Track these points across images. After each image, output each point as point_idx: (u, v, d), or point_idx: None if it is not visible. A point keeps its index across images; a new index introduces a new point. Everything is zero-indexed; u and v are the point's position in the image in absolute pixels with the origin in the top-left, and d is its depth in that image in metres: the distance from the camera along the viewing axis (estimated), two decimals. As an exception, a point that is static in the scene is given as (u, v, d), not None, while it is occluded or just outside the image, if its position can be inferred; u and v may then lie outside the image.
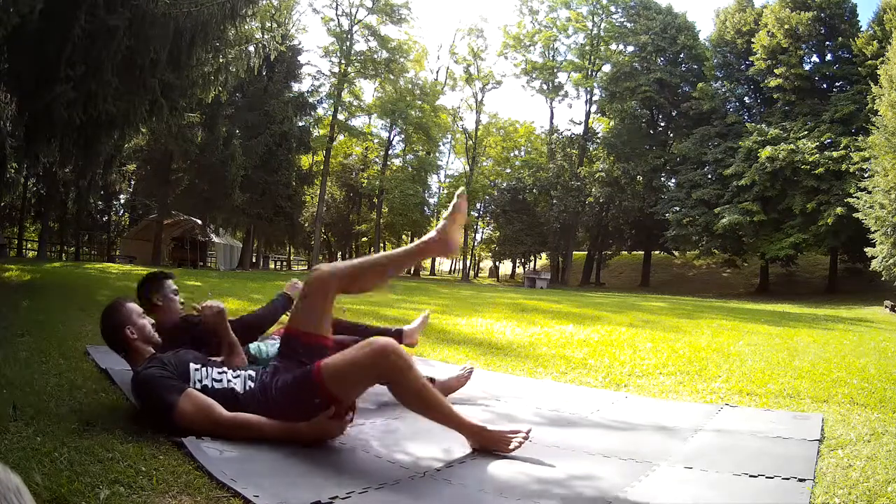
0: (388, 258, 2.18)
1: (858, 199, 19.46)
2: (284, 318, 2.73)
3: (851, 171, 22.13)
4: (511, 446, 1.95)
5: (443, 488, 1.69)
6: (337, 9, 31.84)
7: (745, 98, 32.09)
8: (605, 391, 3.20)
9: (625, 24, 34.35)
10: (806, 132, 25.42)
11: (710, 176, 29.29)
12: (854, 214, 19.91)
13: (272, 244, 35.03)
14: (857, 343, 6.03)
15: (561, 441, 2.16)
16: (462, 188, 2.26)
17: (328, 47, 32.54)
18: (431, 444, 2.02)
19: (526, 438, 1.97)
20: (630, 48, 34.34)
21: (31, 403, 2.04)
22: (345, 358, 1.90)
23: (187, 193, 23.48)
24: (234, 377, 2.04)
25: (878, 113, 18.65)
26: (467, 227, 37.30)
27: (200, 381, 1.99)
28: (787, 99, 27.59)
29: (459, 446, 2.09)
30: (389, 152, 36.68)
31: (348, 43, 31.92)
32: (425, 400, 1.95)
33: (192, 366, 2.02)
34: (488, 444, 1.97)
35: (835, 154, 23.45)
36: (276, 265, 33.22)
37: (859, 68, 24.40)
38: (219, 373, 2.04)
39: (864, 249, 19.67)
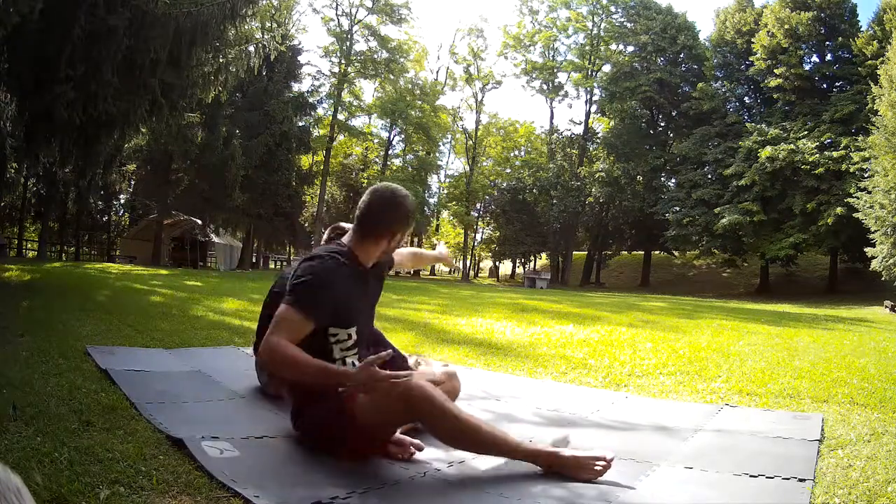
0: None
1: (858, 199, 19.45)
2: None
3: (851, 171, 22.12)
4: (592, 475, 1.77)
5: (443, 488, 1.69)
6: (337, 9, 31.88)
7: (745, 98, 32.09)
8: (605, 391, 3.20)
9: (625, 24, 34.35)
10: (806, 132, 25.42)
11: (710, 176, 29.28)
12: (854, 214, 19.90)
13: (272, 244, 35.02)
14: (857, 343, 6.03)
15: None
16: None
17: (328, 47, 32.59)
18: (432, 445, 2.02)
19: (608, 466, 1.78)
20: (630, 48, 34.34)
21: (31, 403, 2.04)
22: (378, 397, 1.80)
23: (187, 193, 23.49)
24: (349, 362, 1.90)
25: (878, 113, 18.64)
26: (467, 227, 37.36)
27: (332, 336, 1.86)
28: (787, 99, 27.59)
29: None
30: (389, 152, 36.69)
31: (348, 43, 31.93)
32: (468, 439, 1.78)
33: (347, 331, 1.89)
34: (564, 470, 1.79)
35: (835, 154, 23.45)
36: (276, 265, 33.22)
37: (859, 68, 24.39)
38: (349, 351, 1.90)
39: (864, 249, 19.67)
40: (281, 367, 1.72)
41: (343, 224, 2.89)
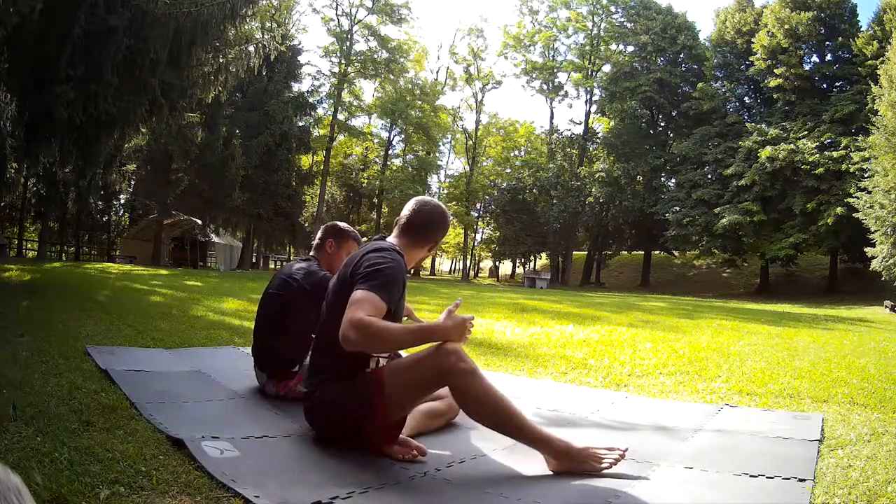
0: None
1: (858, 199, 19.45)
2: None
3: (851, 171, 22.12)
4: (603, 464, 1.79)
5: (443, 488, 1.69)
6: (337, 9, 31.88)
7: (745, 98, 32.08)
8: (605, 391, 3.20)
9: (625, 24, 34.35)
10: (806, 132, 25.42)
11: (710, 176, 29.28)
12: (854, 214, 19.90)
13: (272, 244, 35.01)
14: (857, 343, 6.03)
15: (561, 441, 2.16)
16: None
17: (328, 47, 32.60)
18: (432, 444, 2.02)
19: (622, 457, 1.81)
20: (630, 48, 34.34)
21: (31, 403, 2.04)
22: (408, 358, 1.89)
23: (187, 193, 23.48)
24: (382, 361, 2.01)
25: (878, 113, 18.64)
26: (467, 227, 37.40)
27: None
28: (787, 99, 27.58)
29: (460, 446, 2.09)
30: (389, 152, 36.68)
31: (348, 43, 31.93)
32: (490, 408, 1.80)
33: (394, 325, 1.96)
34: (574, 465, 1.79)
35: (835, 154, 23.45)
36: (275, 265, 33.21)
37: (859, 68, 24.39)
38: None
39: (864, 249, 19.67)
40: (374, 339, 1.72)
41: (339, 224, 2.89)
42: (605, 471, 1.80)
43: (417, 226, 2.06)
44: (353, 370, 1.92)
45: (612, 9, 34.82)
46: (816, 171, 23.62)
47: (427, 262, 46.63)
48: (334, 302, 1.94)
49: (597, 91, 35.35)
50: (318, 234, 2.89)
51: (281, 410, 2.40)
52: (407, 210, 2.09)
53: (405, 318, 2.67)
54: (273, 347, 2.67)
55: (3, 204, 22.20)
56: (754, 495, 1.67)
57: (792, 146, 24.70)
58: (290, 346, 2.62)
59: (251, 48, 9.33)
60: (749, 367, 4.02)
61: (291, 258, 37.98)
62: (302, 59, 28.95)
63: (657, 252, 34.69)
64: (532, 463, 1.87)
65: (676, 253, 33.49)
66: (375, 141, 37.92)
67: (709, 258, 31.54)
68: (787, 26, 26.35)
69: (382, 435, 1.87)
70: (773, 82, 27.00)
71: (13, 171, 11.54)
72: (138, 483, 1.47)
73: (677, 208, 28.99)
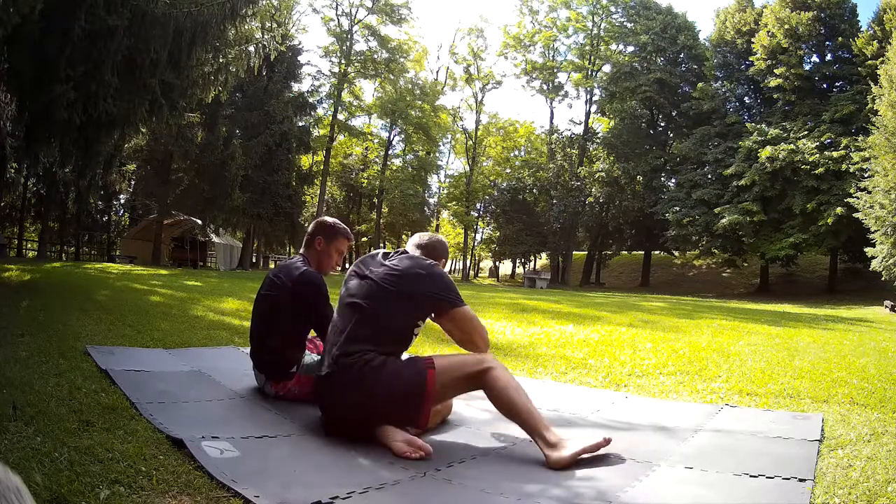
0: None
1: (858, 199, 19.45)
2: None
3: (851, 171, 22.11)
4: (592, 443, 1.98)
5: (443, 488, 1.69)
6: (337, 9, 31.85)
7: (745, 98, 32.05)
8: (605, 391, 3.21)
9: (625, 24, 34.33)
10: (806, 132, 25.40)
11: (710, 176, 29.26)
12: (854, 214, 19.90)
13: (272, 244, 35.01)
14: (857, 343, 6.03)
15: (561, 441, 2.16)
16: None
17: (328, 47, 32.54)
18: (432, 445, 2.02)
19: (607, 442, 1.98)
20: (630, 48, 34.33)
21: (31, 403, 2.04)
22: (455, 356, 2.21)
23: (187, 193, 23.46)
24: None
25: (878, 113, 18.63)
26: (467, 227, 37.39)
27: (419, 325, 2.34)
28: (787, 99, 27.56)
29: (459, 446, 2.09)
30: (389, 152, 36.65)
31: (348, 43, 31.91)
32: (509, 395, 2.06)
33: None
34: (566, 452, 1.93)
35: (835, 154, 23.44)
36: (276, 265, 33.14)
37: (859, 68, 24.37)
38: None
39: (864, 249, 19.66)
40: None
41: (328, 219, 2.89)
42: (603, 466, 1.86)
43: (435, 250, 2.51)
44: (397, 350, 2.22)
45: (612, 9, 34.78)
46: (816, 171, 23.61)
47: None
48: (389, 298, 2.17)
49: (597, 91, 35.34)
50: (308, 231, 2.89)
51: (281, 410, 2.41)
52: (424, 240, 2.55)
53: None
54: (268, 348, 2.67)
55: (3, 204, 22.20)
56: (754, 495, 1.67)
57: (792, 146, 24.69)
58: (283, 345, 2.62)
59: (251, 48, 9.32)
60: (749, 367, 4.02)
61: (291, 258, 37.92)
62: (302, 59, 28.93)
63: (657, 252, 34.67)
64: (531, 463, 1.88)
65: (676, 253, 33.47)
66: (375, 141, 37.91)
67: (709, 258, 31.52)
68: (787, 26, 26.34)
69: (422, 419, 2.07)
70: (773, 82, 26.98)
71: (13, 171, 11.55)
72: (138, 483, 1.47)
73: (677, 208, 28.96)
